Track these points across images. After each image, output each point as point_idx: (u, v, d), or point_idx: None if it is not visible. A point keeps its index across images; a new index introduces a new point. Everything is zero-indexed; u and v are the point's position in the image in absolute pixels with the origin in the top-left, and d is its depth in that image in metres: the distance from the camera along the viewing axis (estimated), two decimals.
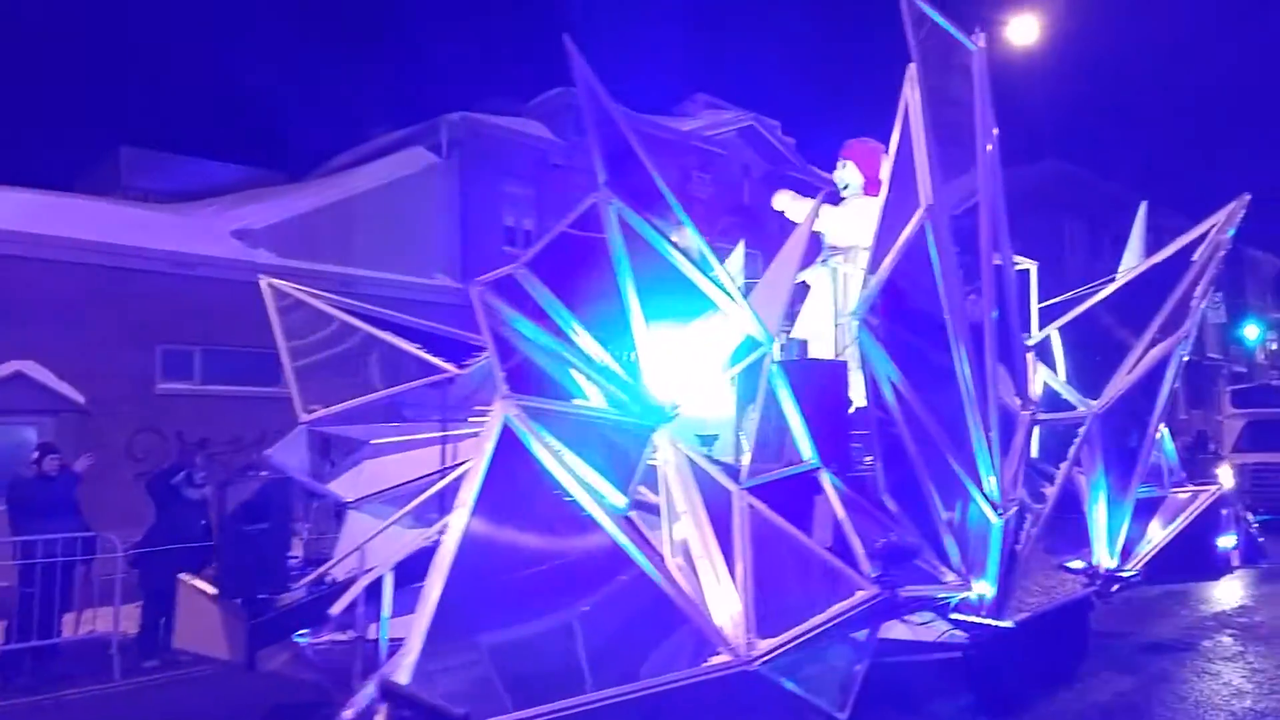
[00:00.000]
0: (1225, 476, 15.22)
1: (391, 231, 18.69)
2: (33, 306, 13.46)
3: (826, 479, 6.05)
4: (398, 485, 7.81)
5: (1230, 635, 9.80)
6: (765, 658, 5.19)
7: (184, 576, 7.32)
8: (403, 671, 4.68)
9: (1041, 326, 9.63)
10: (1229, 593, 11.73)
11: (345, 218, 18.28)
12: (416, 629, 4.81)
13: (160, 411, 14.49)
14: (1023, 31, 24.24)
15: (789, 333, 9.72)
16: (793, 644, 5.23)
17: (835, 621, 5.31)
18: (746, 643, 5.23)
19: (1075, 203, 33.74)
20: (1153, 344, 8.59)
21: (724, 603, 5.44)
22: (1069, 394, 8.77)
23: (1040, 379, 8.98)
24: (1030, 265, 9.83)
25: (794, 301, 10.35)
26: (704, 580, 5.53)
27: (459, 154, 20.40)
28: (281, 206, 18.26)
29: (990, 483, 6.82)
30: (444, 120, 20.61)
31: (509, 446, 5.40)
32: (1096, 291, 9.44)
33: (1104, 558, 8.63)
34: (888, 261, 6.57)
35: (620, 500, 6.12)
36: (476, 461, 5.27)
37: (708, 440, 7.10)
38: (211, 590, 6.86)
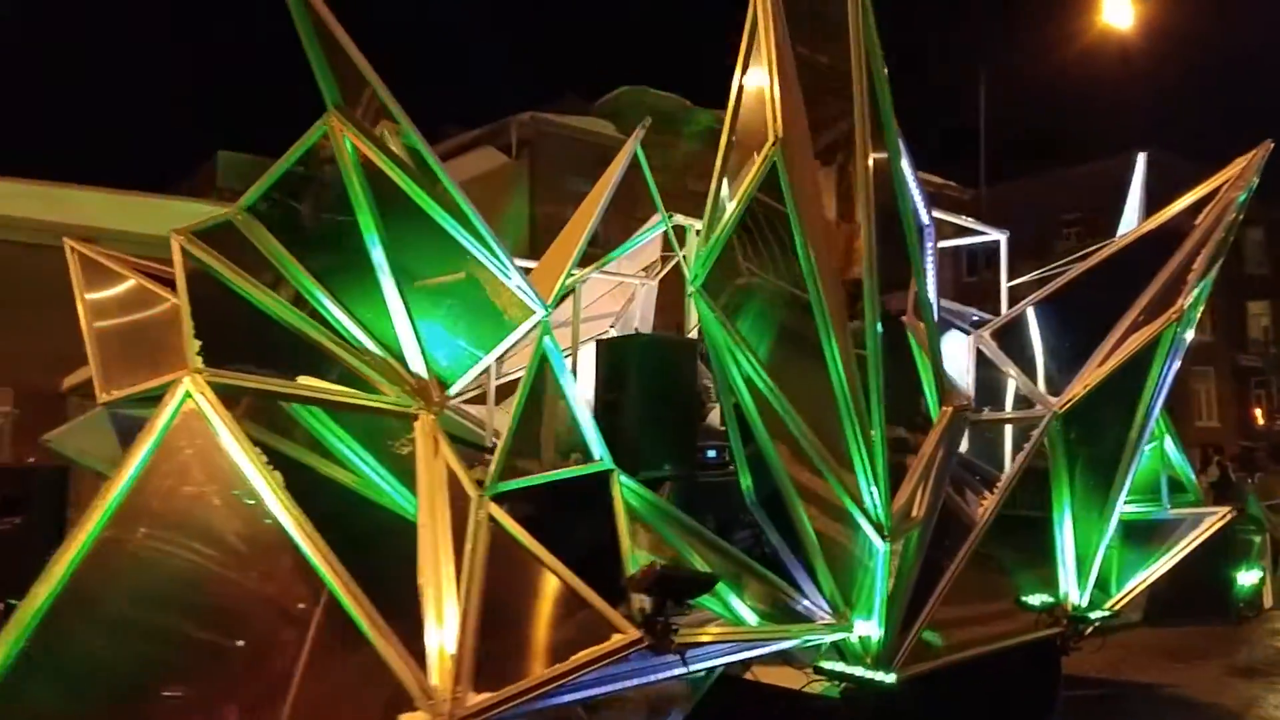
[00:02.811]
0: None
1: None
2: None
3: (617, 487, 4.71)
4: None
5: None
6: (471, 717, 3.93)
7: None
8: None
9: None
10: None
11: None
12: None
13: None
14: (1119, 14, 22.00)
15: None
16: (511, 703, 3.94)
17: (573, 675, 3.98)
18: (453, 696, 3.98)
19: (1173, 194, 30.79)
20: (1136, 326, 6.89)
21: (444, 642, 4.19)
22: (1027, 387, 7.15)
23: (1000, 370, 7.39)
24: (1000, 235, 8.22)
25: None
26: (429, 611, 4.29)
27: (528, 154, 21.45)
28: None
29: (874, 497, 5.36)
30: (514, 121, 21.56)
31: (187, 433, 4.29)
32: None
33: (1072, 592, 6.99)
34: (729, 214, 5.18)
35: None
36: (132, 452, 4.16)
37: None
38: None
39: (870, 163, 5.22)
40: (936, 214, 8.77)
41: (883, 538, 5.34)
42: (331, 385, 4.80)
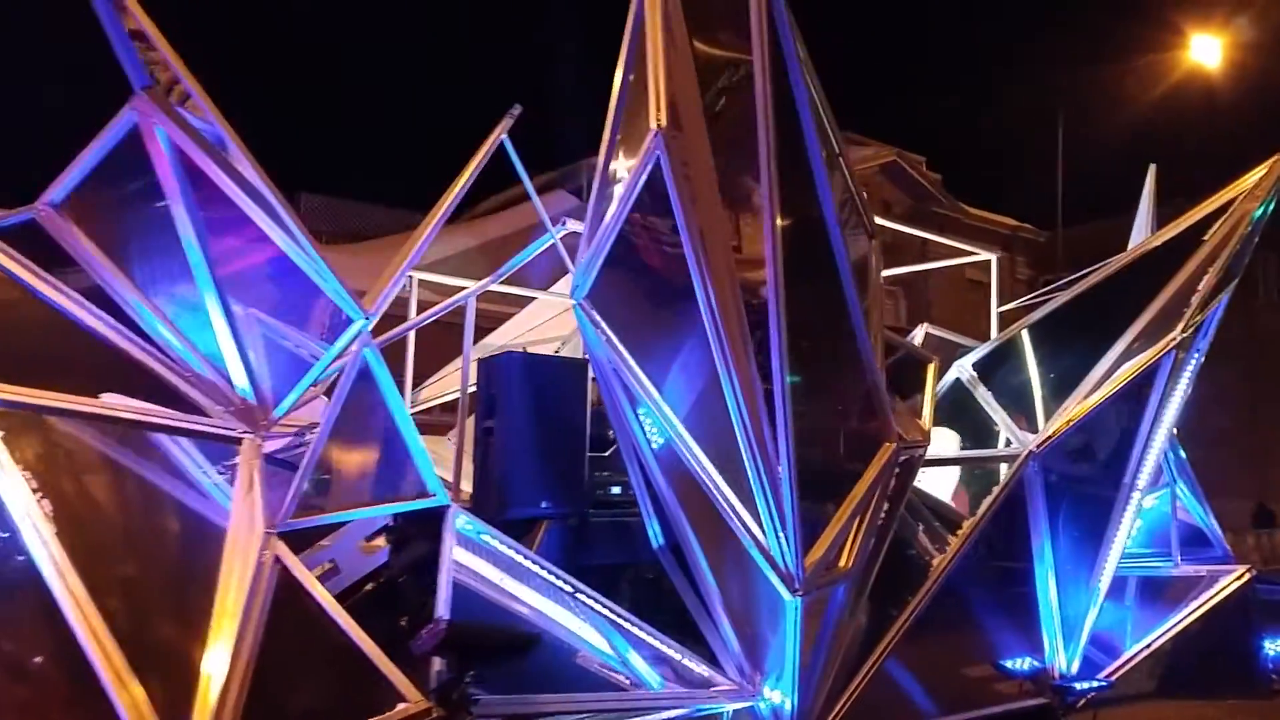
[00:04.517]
0: None
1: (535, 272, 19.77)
2: None
3: (451, 527, 4.02)
4: None
5: None
6: None
7: None
8: None
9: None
10: None
11: (493, 258, 19.25)
12: None
13: None
14: (1206, 54, 20.69)
15: None
16: None
17: None
18: None
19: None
20: (1132, 353, 5.97)
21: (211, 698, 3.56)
22: (1003, 422, 6.26)
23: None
24: (991, 256, 7.37)
25: None
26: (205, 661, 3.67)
27: None
28: (436, 248, 19.83)
29: (782, 544, 4.57)
30: (585, 164, 22.05)
31: None
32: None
33: (1059, 657, 6.04)
34: (608, 218, 4.51)
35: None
36: None
37: None
38: None
39: (775, 169, 4.49)
40: (923, 234, 8.00)
41: (792, 591, 4.55)
42: (140, 404, 4.25)
